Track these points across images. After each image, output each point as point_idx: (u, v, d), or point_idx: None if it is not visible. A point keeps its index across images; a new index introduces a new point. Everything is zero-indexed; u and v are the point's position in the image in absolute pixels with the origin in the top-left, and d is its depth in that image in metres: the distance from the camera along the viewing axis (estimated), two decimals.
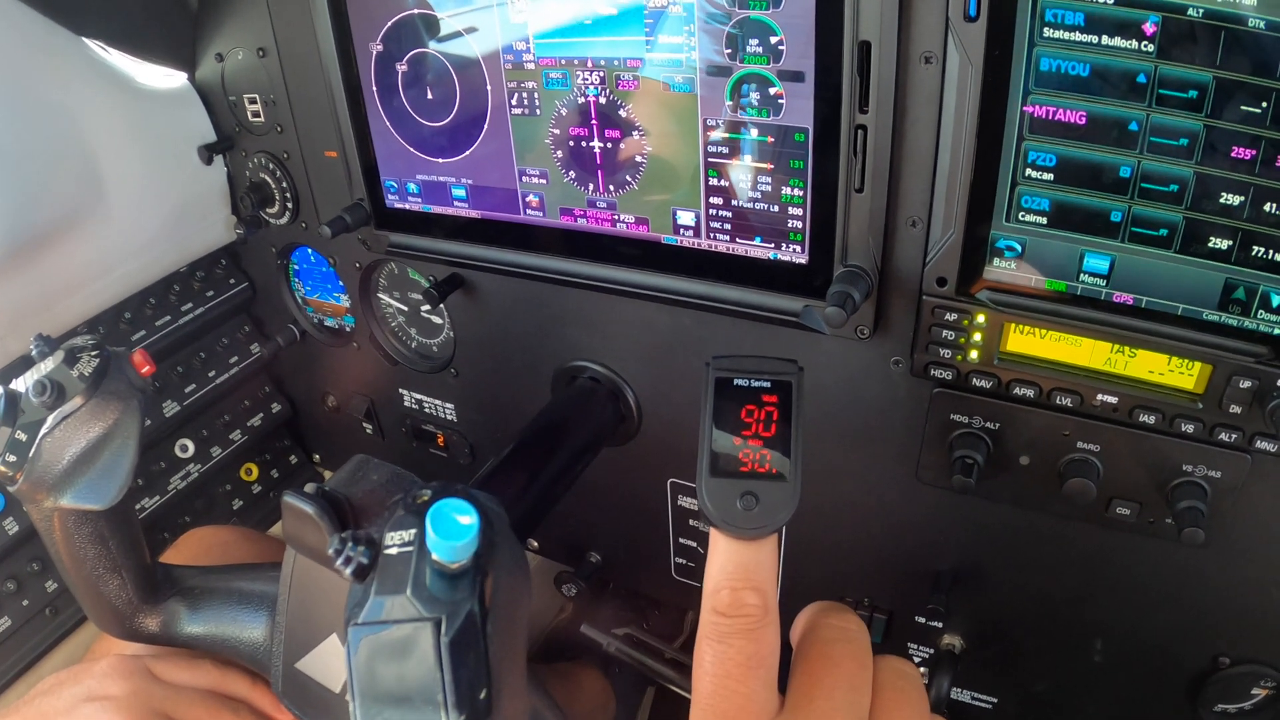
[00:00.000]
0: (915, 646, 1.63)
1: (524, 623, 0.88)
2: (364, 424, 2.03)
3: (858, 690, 0.74)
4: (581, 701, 2.25)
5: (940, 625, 1.57)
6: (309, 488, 0.96)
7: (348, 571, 0.77)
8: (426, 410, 1.90)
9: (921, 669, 1.62)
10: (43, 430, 1.03)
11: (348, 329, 1.93)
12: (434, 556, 0.73)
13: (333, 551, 0.78)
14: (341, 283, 1.86)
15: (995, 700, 1.64)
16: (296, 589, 1.08)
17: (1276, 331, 1.06)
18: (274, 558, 1.14)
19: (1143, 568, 1.34)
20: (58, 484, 1.05)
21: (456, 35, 1.36)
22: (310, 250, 1.87)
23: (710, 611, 0.72)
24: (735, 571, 0.73)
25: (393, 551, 0.76)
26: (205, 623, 1.22)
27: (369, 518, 0.96)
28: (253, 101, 1.72)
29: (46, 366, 1.05)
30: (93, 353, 1.07)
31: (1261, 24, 0.92)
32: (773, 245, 1.28)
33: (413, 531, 0.76)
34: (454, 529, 0.71)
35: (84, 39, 1.56)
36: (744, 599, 0.72)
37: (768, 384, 0.79)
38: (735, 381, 0.79)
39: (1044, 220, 1.11)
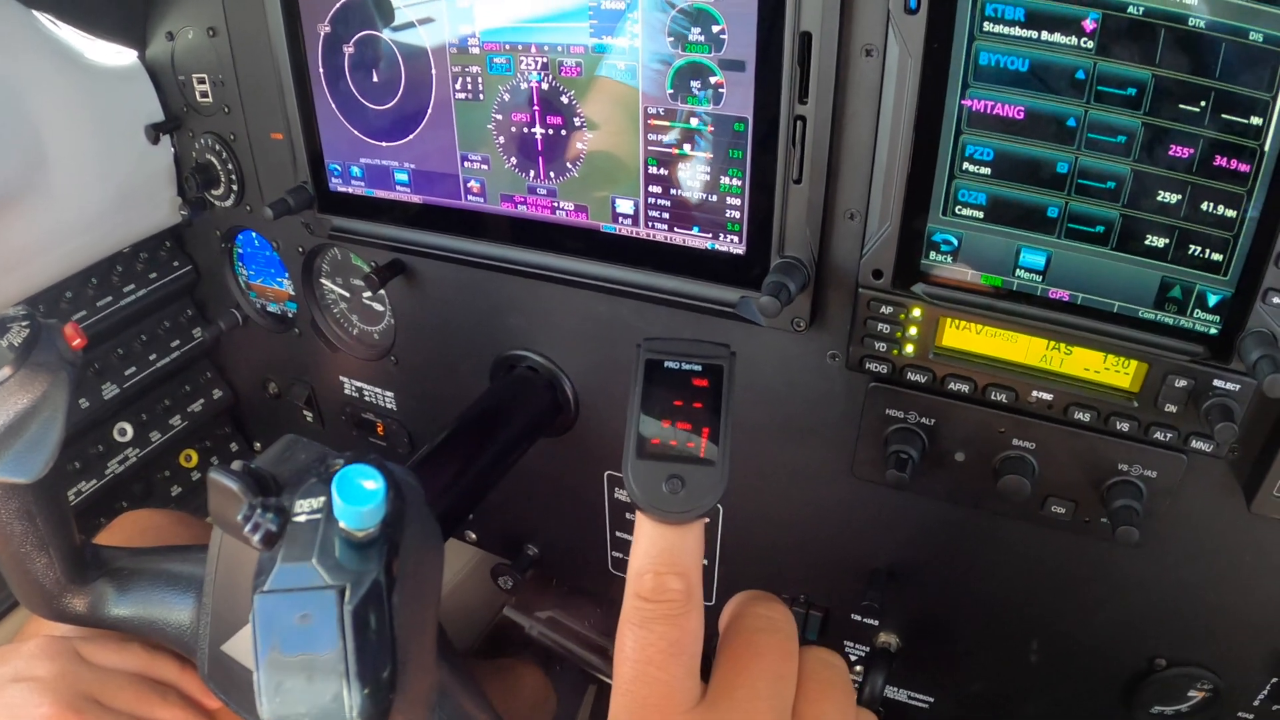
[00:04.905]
0: (851, 644, 1.63)
1: (434, 595, 0.88)
2: (304, 411, 2.02)
3: (782, 680, 0.74)
4: (520, 698, 2.24)
5: (876, 623, 1.57)
6: (235, 464, 0.95)
7: (256, 539, 0.76)
8: (366, 398, 1.89)
9: (857, 667, 1.62)
10: None
11: (290, 315, 1.91)
12: (341, 524, 0.72)
13: (241, 518, 0.77)
14: (285, 267, 1.85)
15: (932, 699, 1.64)
16: (223, 571, 1.06)
17: (1212, 331, 1.07)
18: (208, 542, 1.13)
19: (1079, 568, 1.35)
20: None
21: (404, 20, 1.35)
22: (254, 234, 1.86)
23: (633, 596, 0.72)
24: (659, 556, 0.73)
25: (301, 519, 0.76)
26: (133, 605, 1.20)
27: None
28: (201, 82, 1.71)
29: None
30: (23, 323, 1.05)
31: (1201, 23, 0.93)
32: (710, 235, 1.28)
33: (321, 499, 0.76)
34: (359, 494, 0.71)
35: (34, 12, 1.54)
36: (667, 584, 0.71)
37: (699, 367, 0.79)
38: (666, 364, 0.79)
39: (980, 214, 1.11)
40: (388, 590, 0.74)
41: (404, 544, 0.78)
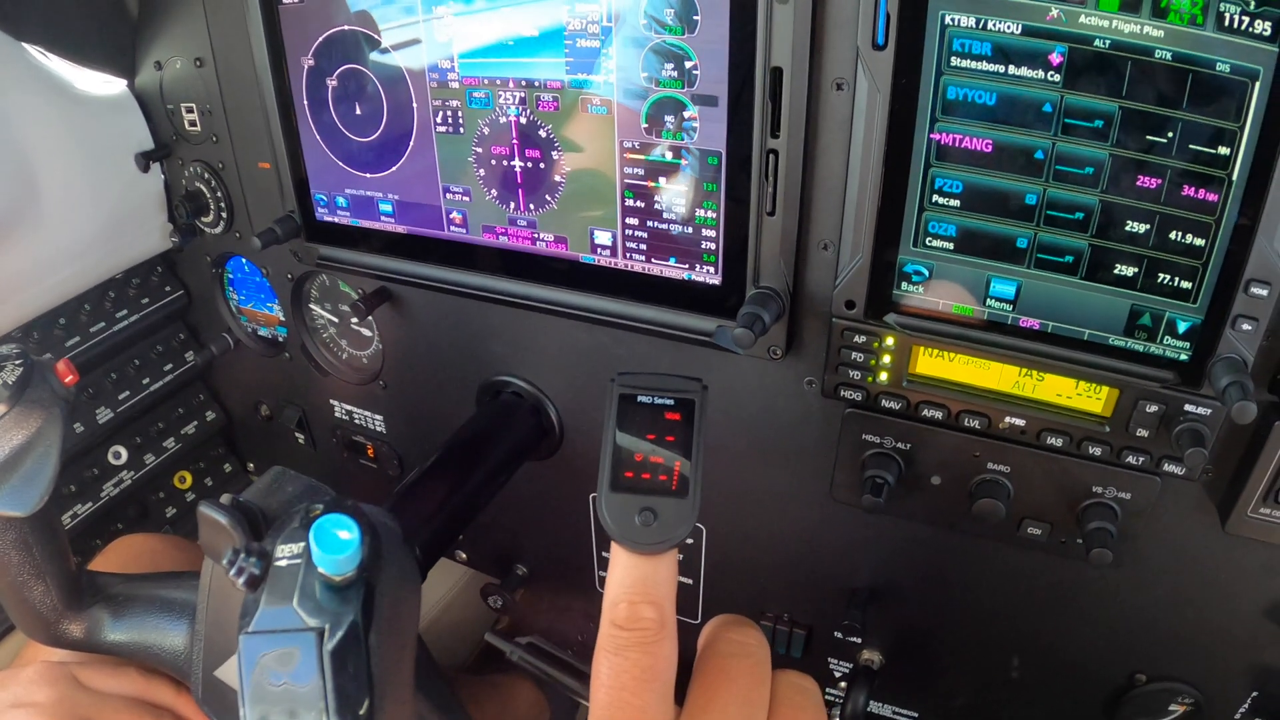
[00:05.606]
0: (835, 661, 1.64)
1: (411, 634, 0.90)
2: (296, 434, 2.03)
3: (753, 705, 0.76)
4: (515, 714, 2.24)
5: (859, 641, 1.59)
6: (224, 498, 0.97)
7: (240, 582, 0.79)
8: (356, 421, 1.91)
9: (841, 684, 1.64)
10: None
11: (280, 339, 1.93)
12: (320, 570, 0.74)
13: (225, 563, 0.80)
14: (274, 293, 1.86)
15: (916, 715, 1.65)
16: (215, 597, 1.08)
17: (1183, 357, 1.07)
18: (202, 566, 1.15)
19: (1058, 586, 1.36)
20: None
21: (385, 53, 1.37)
22: (244, 260, 1.87)
23: (608, 624, 0.74)
24: (633, 585, 0.74)
25: (282, 564, 0.78)
26: (128, 630, 1.22)
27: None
28: (190, 111, 1.72)
29: None
30: (16, 362, 1.07)
31: (1168, 55, 0.94)
32: (687, 266, 1.29)
33: (301, 545, 0.78)
34: (334, 544, 0.73)
35: (24, 44, 1.55)
36: (641, 612, 0.73)
37: (671, 401, 0.80)
38: (639, 398, 0.81)
39: (950, 246, 1.12)
40: (365, 629, 0.76)
41: (380, 585, 0.80)
